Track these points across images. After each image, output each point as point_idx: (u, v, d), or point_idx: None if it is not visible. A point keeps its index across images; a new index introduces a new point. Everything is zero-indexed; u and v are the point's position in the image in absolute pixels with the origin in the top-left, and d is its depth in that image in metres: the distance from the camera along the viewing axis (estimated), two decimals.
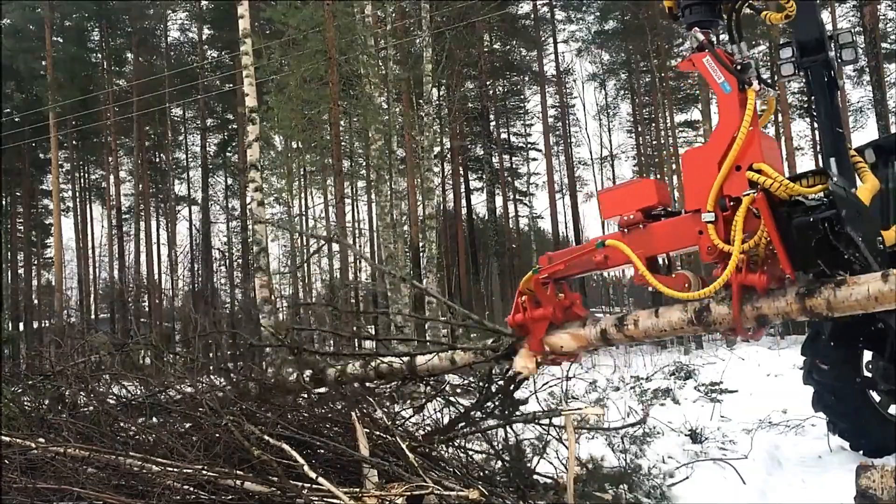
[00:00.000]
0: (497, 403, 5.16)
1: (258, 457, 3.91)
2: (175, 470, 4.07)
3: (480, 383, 5.37)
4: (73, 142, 37.84)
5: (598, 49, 39.49)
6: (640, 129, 39.69)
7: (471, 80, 34.66)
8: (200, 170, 39.66)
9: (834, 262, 3.70)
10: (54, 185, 32.64)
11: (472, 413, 5.18)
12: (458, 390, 5.71)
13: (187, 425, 5.09)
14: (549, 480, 4.91)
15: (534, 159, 41.55)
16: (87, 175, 41.22)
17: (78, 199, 39.98)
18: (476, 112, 34.41)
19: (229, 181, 40.75)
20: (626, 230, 4.34)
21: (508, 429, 5.13)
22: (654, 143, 38.18)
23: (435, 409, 5.53)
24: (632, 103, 39.63)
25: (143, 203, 39.71)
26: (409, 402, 5.72)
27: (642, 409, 5.22)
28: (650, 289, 4.25)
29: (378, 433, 4.47)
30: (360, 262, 31.41)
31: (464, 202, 35.59)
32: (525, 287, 4.70)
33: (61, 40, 35.86)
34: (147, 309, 37.11)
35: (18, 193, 38.50)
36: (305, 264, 29.48)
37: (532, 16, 38.04)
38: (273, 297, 15.67)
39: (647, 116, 38.93)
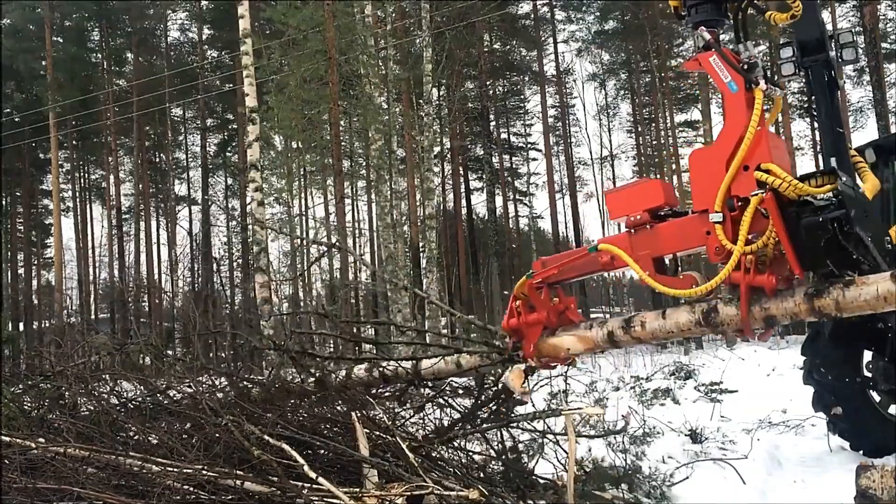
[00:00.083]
0: (497, 404, 5.16)
1: (258, 457, 3.90)
2: (175, 470, 4.07)
3: (481, 385, 5.37)
4: (73, 142, 37.86)
5: (598, 49, 39.53)
6: (640, 129, 39.71)
7: (471, 80, 34.67)
8: (200, 170, 39.68)
9: (842, 263, 3.68)
10: (54, 185, 32.66)
11: (473, 413, 5.18)
12: (459, 390, 5.71)
13: (187, 425, 5.09)
14: (548, 480, 4.91)
15: (534, 159, 41.65)
16: (87, 175, 41.25)
17: (78, 199, 40.03)
18: (476, 112, 34.42)
19: (229, 181, 40.80)
20: (632, 231, 4.32)
21: (508, 429, 5.13)
22: (654, 143, 38.22)
23: (434, 410, 5.53)
24: (632, 103, 39.66)
25: (143, 203, 39.73)
26: (409, 402, 5.71)
27: (623, 417, 5.22)
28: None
29: (378, 433, 4.47)
30: (359, 262, 31.43)
31: (464, 202, 35.64)
32: (519, 292, 4.71)
33: (61, 40, 35.88)
34: (147, 309, 37.14)
35: (18, 193, 38.53)
36: (305, 264, 29.48)
37: (532, 16, 38.06)
38: (275, 299, 15.66)
39: (647, 116, 38.94)
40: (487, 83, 35.10)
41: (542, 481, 4.89)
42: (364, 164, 27.97)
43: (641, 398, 10.24)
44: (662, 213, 4.34)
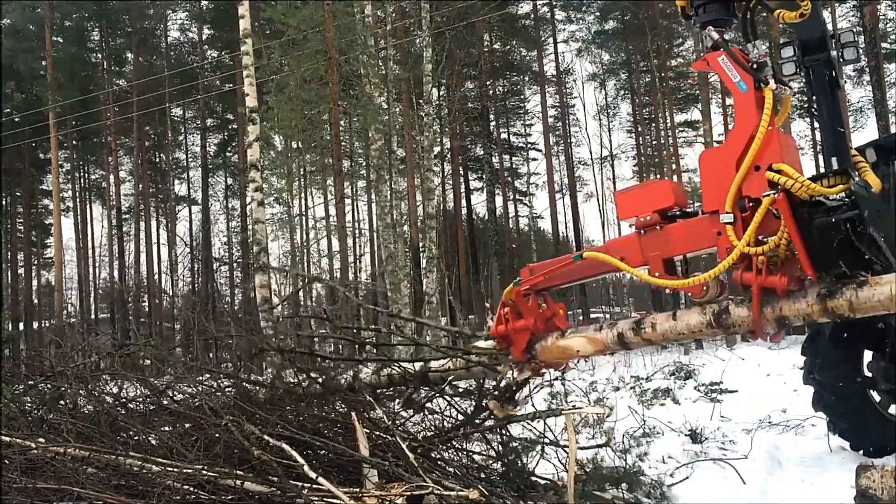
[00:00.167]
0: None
1: (258, 457, 3.90)
2: (175, 470, 4.06)
3: (482, 385, 5.37)
4: (73, 142, 37.85)
5: (598, 49, 39.49)
6: (640, 129, 39.69)
7: (471, 80, 34.65)
8: (200, 170, 39.66)
9: (854, 263, 3.66)
10: (54, 185, 32.64)
11: (473, 414, 5.18)
12: (460, 389, 5.71)
13: (187, 425, 5.09)
14: (548, 481, 4.91)
15: (534, 159, 41.62)
16: (87, 175, 41.23)
17: (78, 199, 40.01)
18: (476, 112, 34.41)
19: (229, 181, 40.79)
20: (642, 231, 4.30)
21: (508, 429, 5.13)
22: (654, 143, 38.19)
23: (434, 410, 5.52)
24: (632, 103, 39.63)
25: (143, 203, 39.71)
26: (416, 404, 5.70)
27: (604, 433, 5.23)
28: (667, 291, 4.24)
29: (378, 433, 4.47)
30: (359, 261, 31.43)
31: (464, 202, 35.62)
32: (507, 298, 4.72)
33: (61, 40, 35.87)
34: (147, 309, 37.14)
35: (18, 193, 38.51)
36: (305, 264, 29.47)
37: (532, 16, 38.04)
38: (275, 299, 15.65)
39: (647, 116, 38.91)
40: (487, 83, 35.09)
41: (542, 481, 4.89)
42: (364, 164, 27.98)
43: (641, 398, 10.24)
44: (672, 214, 4.33)
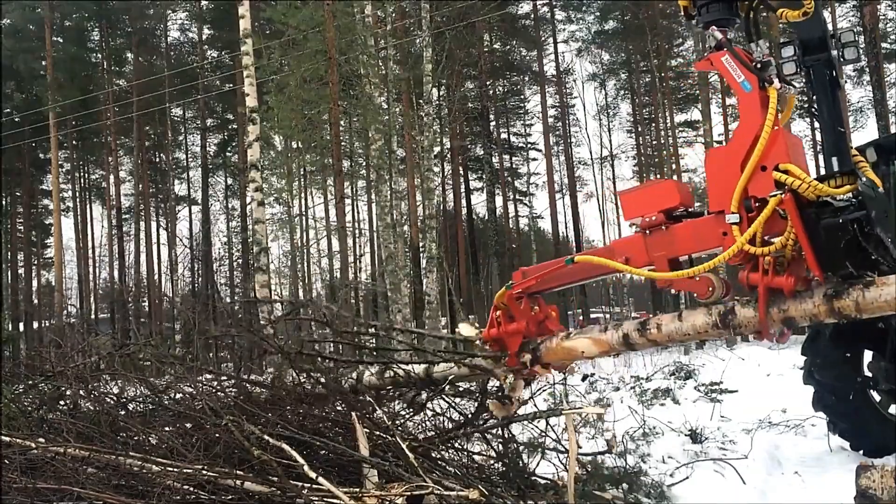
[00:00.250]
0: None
1: (258, 457, 3.90)
2: (175, 470, 4.06)
3: (483, 386, 5.37)
4: (73, 142, 37.87)
5: (598, 49, 39.53)
6: (640, 129, 39.70)
7: (471, 80, 34.66)
8: (200, 170, 39.68)
9: (861, 264, 3.65)
10: (54, 185, 32.65)
11: (473, 414, 5.18)
12: (460, 389, 5.71)
13: (187, 425, 5.08)
14: (548, 481, 4.91)
15: (534, 159, 41.64)
16: (87, 175, 41.25)
17: (78, 199, 40.03)
18: (476, 112, 34.41)
19: (229, 181, 40.80)
20: (647, 232, 4.29)
21: (508, 429, 5.13)
22: (654, 143, 38.20)
23: (434, 410, 5.52)
24: (632, 103, 39.65)
25: (143, 203, 39.72)
26: (419, 406, 5.70)
27: (609, 442, 5.24)
28: (672, 291, 4.24)
29: (378, 433, 4.47)
30: (359, 261, 31.43)
31: (464, 202, 35.62)
32: (499, 301, 4.71)
33: (61, 40, 35.89)
34: (147, 309, 37.13)
35: (18, 193, 38.53)
36: (305, 264, 29.48)
37: (532, 16, 38.05)
38: (275, 298, 15.64)
39: (647, 116, 38.94)
40: (487, 83, 35.09)
41: (542, 481, 4.89)
42: (364, 164, 27.97)
43: (641, 398, 10.24)
44: (678, 214, 4.32)
